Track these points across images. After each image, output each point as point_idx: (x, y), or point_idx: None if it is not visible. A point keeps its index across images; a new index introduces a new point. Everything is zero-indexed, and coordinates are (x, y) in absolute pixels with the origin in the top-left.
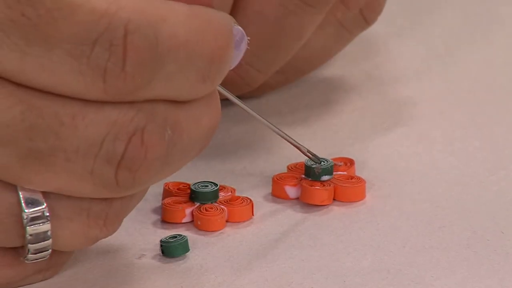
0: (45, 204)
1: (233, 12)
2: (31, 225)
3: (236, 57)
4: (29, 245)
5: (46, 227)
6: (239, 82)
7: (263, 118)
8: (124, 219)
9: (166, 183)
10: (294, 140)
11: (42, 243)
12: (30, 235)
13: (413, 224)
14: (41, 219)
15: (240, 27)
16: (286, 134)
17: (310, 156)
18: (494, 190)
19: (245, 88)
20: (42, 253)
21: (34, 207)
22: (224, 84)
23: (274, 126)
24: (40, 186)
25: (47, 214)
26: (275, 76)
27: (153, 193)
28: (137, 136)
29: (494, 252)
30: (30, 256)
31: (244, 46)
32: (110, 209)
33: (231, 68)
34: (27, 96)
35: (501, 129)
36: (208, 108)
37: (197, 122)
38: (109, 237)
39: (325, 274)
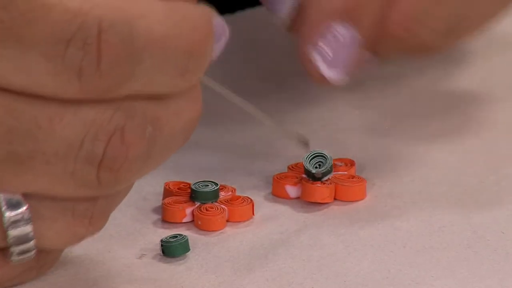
0: (26, 206)
1: None
2: (13, 228)
3: (217, 49)
4: (13, 248)
5: (28, 228)
6: (412, 41)
7: (250, 105)
8: (125, 219)
9: (166, 182)
10: (284, 128)
11: (25, 244)
12: (12, 237)
13: (413, 224)
14: (22, 221)
15: (220, 18)
16: (276, 123)
17: (301, 140)
18: (494, 190)
19: (415, 41)
20: (27, 254)
21: (15, 210)
22: (392, 44)
23: (266, 116)
24: (20, 188)
25: (28, 216)
26: (446, 38)
27: (154, 193)
28: (116, 135)
29: (494, 252)
30: (14, 257)
31: (225, 37)
32: (95, 208)
33: (214, 58)
34: (3, 99)
35: (501, 129)
36: (188, 100)
37: (178, 116)
38: (110, 237)
39: (325, 274)
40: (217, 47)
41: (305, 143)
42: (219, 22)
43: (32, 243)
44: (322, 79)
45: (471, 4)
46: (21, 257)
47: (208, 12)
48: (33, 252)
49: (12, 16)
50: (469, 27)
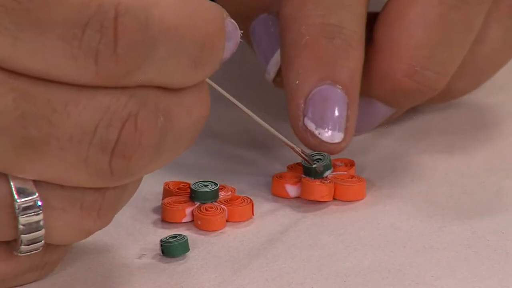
0: (36, 194)
1: (395, 19)
2: (24, 215)
3: (228, 49)
4: (22, 236)
5: (38, 217)
6: (421, 89)
7: (256, 116)
8: (124, 219)
9: (166, 182)
10: (288, 140)
11: (35, 233)
12: (23, 225)
13: (413, 224)
14: (33, 209)
15: (232, 20)
16: (279, 134)
17: (304, 156)
18: (494, 190)
19: (429, 93)
20: (35, 244)
21: (25, 197)
22: (406, 94)
23: (269, 126)
24: (34, 175)
25: (39, 203)
26: (461, 81)
27: (153, 193)
28: (130, 122)
29: (494, 252)
30: (23, 247)
31: (237, 39)
32: (103, 200)
33: (224, 60)
34: (19, 83)
35: (501, 129)
36: (198, 98)
37: (188, 112)
38: (110, 236)
39: (325, 274)
40: (228, 47)
41: (307, 157)
42: (231, 23)
43: (41, 231)
44: (321, 143)
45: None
46: (29, 247)
47: (221, 9)
48: (41, 243)
49: None
50: (477, 69)
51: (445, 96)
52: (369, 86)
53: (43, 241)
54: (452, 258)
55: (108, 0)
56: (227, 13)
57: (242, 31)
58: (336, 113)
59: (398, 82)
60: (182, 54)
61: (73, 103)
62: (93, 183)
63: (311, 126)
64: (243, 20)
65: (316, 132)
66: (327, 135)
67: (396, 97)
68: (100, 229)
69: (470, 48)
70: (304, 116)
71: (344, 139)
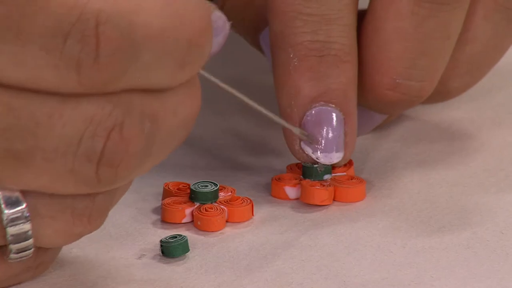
0: (24, 204)
1: (372, 34)
2: (12, 226)
3: (217, 43)
4: (11, 246)
5: (26, 227)
6: (406, 99)
7: (254, 102)
8: (124, 219)
9: (166, 183)
10: (287, 122)
11: (24, 242)
12: (12, 235)
13: (413, 224)
14: (21, 219)
15: (221, 13)
16: (278, 117)
17: (304, 138)
18: (493, 191)
19: (415, 101)
20: (25, 252)
21: (13, 208)
22: (393, 105)
23: (266, 110)
24: (20, 186)
25: (27, 214)
26: (456, 79)
27: (153, 193)
28: (115, 131)
29: (494, 253)
30: (13, 255)
31: (225, 32)
32: (93, 205)
33: (213, 55)
34: (2, 96)
35: (501, 129)
36: (187, 96)
37: (176, 112)
38: (109, 237)
39: (325, 274)
40: (217, 42)
41: (308, 137)
42: (219, 17)
43: (30, 241)
44: (321, 164)
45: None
46: (19, 255)
47: (206, 5)
48: (31, 251)
49: (9, 8)
50: (461, 74)
51: (444, 96)
52: (358, 96)
53: (32, 249)
54: (452, 258)
55: (89, 9)
56: (214, 6)
57: (231, 22)
58: (332, 134)
59: (382, 95)
60: (168, 58)
61: (57, 115)
62: (80, 191)
63: (308, 150)
64: (253, 30)
65: (314, 157)
66: (325, 158)
67: (384, 107)
68: (91, 232)
69: (462, 48)
70: (300, 140)
71: (344, 156)
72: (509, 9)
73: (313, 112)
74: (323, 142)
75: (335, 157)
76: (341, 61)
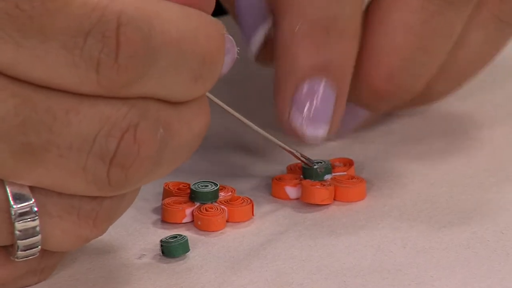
0: (33, 200)
1: (375, 24)
2: (20, 221)
3: (226, 64)
4: (19, 242)
5: (34, 223)
6: (398, 93)
7: (255, 125)
8: (124, 219)
9: (166, 183)
10: (287, 146)
11: (31, 239)
12: (19, 231)
13: (413, 224)
14: (29, 215)
15: (230, 36)
16: (278, 140)
17: (304, 160)
18: (494, 190)
19: (405, 96)
20: (32, 250)
21: (22, 203)
22: (380, 99)
23: (268, 134)
24: (32, 181)
25: (36, 209)
26: (442, 83)
27: (153, 193)
28: (130, 133)
29: (494, 253)
30: (20, 253)
31: (234, 55)
32: (100, 209)
33: (223, 74)
34: (21, 90)
35: (502, 130)
36: (199, 112)
37: (189, 125)
38: (109, 237)
39: (325, 274)
40: (226, 62)
41: (308, 160)
42: (229, 40)
43: (38, 237)
44: (303, 137)
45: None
46: (26, 252)
47: (220, 24)
48: (38, 249)
49: (33, 5)
50: (458, 72)
51: (426, 99)
52: (349, 86)
53: (39, 247)
54: (452, 258)
55: (110, 10)
56: (225, 29)
57: (239, 48)
58: (323, 107)
59: (375, 85)
60: (183, 68)
61: (73, 111)
62: (90, 192)
63: (296, 121)
64: None
65: (301, 126)
66: (311, 130)
67: (372, 100)
68: (96, 237)
69: (451, 52)
70: (291, 107)
71: (328, 132)
72: (502, 21)
73: (308, 82)
74: (312, 113)
75: (322, 131)
76: (345, 37)
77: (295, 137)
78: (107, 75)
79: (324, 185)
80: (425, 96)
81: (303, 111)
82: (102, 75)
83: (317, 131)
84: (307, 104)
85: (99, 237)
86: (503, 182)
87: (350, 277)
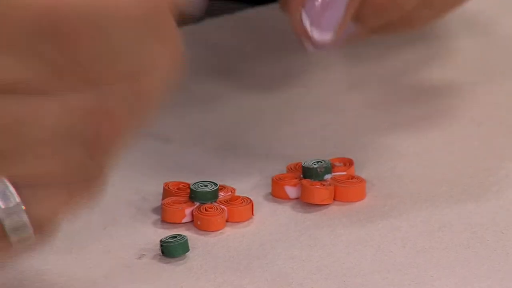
0: (18, 198)
1: None
2: (8, 218)
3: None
4: (11, 237)
5: (23, 218)
6: (391, 7)
7: None
8: (125, 219)
9: (166, 183)
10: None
11: (22, 232)
12: (9, 226)
13: (413, 224)
14: (16, 211)
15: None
16: None
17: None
18: (494, 190)
19: (397, 11)
20: (26, 242)
21: (7, 200)
22: (378, 11)
23: None
24: (13, 179)
25: (22, 206)
26: (426, 11)
27: (153, 193)
28: (102, 116)
29: (494, 253)
30: (13, 240)
31: None
32: (90, 182)
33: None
34: None
35: (501, 129)
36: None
37: (150, 74)
38: (109, 237)
39: (325, 274)
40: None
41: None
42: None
43: (29, 231)
44: (311, 40)
45: None
46: (20, 243)
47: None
48: (31, 239)
49: None
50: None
51: (407, 24)
52: None
53: (33, 237)
54: (452, 258)
55: (60, 10)
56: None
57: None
58: (333, 14)
59: None
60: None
61: (39, 112)
62: (76, 177)
63: (306, 22)
64: None
65: (309, 30)
66: (318, 34)
67: (367, 13)
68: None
69: None
70: (302, 9)
71: (332, 38)
72: None
73: None
74: (324, 20)
75: (327, 37)
76: None
77: (305, 39)
78: (67, 71)
79: (324, 185)
80: (408, 21)
81: (311, 15)
82: (61, 73)
83: (323, 37)
84: (318, 12)
85: (100, 237)
86: (503, 181)
87: (350, 277)
